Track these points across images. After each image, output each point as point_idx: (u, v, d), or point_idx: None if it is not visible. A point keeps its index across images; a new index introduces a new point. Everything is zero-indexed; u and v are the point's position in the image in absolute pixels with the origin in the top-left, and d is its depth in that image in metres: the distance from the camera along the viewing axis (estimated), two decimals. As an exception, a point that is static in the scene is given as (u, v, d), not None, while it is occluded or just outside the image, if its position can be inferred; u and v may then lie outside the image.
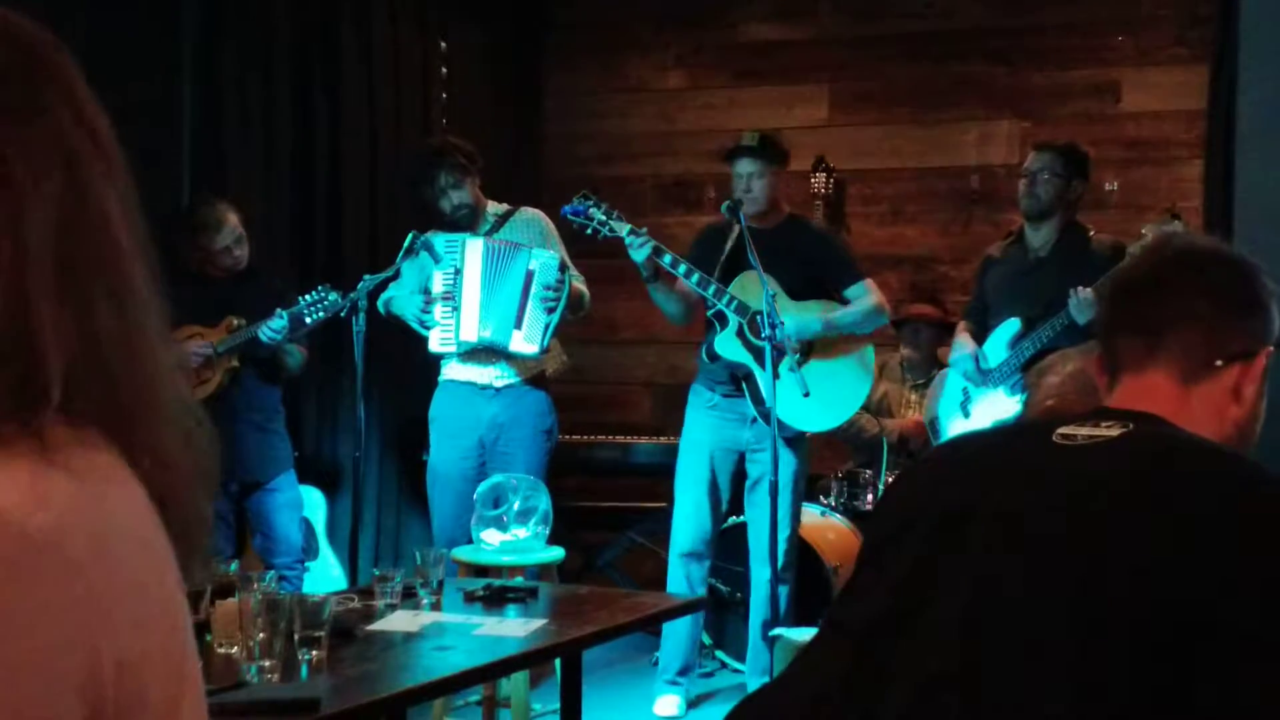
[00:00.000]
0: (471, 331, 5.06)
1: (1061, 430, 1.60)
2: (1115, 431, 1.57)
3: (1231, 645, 1.35)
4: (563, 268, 5.12)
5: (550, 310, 5.08)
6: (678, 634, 5.10)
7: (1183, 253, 1.78)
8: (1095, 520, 1.47)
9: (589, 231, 4.92)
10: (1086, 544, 1.46)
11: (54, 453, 0.75)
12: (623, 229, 4.85)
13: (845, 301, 5.08)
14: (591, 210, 4.89)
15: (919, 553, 1.55)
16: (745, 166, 5.00)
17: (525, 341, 5.07)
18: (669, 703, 5.09)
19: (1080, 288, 4.59)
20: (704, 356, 5.04)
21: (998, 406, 4.88)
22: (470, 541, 4.79)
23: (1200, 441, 1.59)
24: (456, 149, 5.15)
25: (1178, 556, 1.40)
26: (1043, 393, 2.47)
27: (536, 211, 5.34)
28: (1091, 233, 4.98)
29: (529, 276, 5.07)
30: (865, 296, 5.12)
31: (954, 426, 5.04)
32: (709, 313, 5.01)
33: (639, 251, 4.83)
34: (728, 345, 4.93)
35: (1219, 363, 1.68)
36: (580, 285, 5.25)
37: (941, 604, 1.49)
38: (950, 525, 1.56)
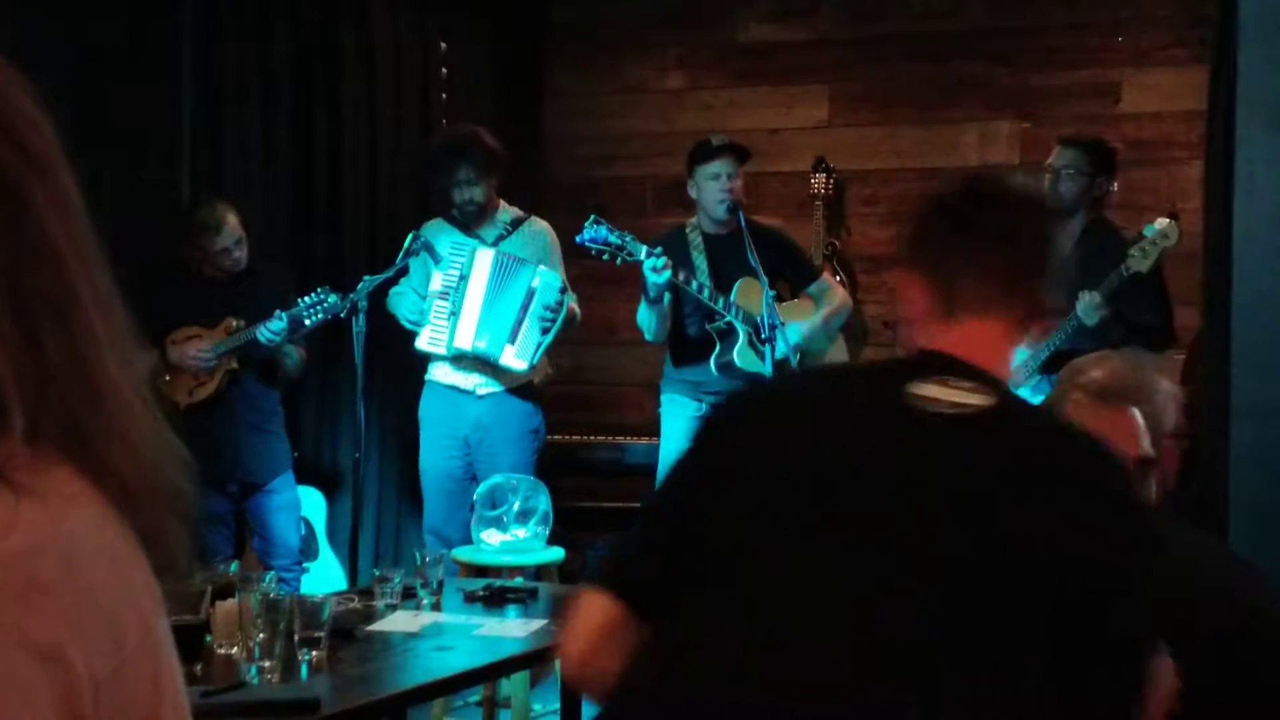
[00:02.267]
0: (466, 339, 5.03)
1: (915, 390, 1.58)
2: (978, 401, 1.58)
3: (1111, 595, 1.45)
4: (563, 290, 5.09)
5: (545, 330, 5.05)
6: None
7: (1038, 203, 1.84)
8: (983, 503, 1.50)
9: (605, 258, 4.81)
10: (972, 526, 1.48)
11: (16, 476, 0.75)
12: (640, 251, 4.77)
13: (807, 299, 5.11)
14: (609, 237, 4.79)
15: (792, 552, 1.53)
16: (726, 166, 4.97)
17: (516, 357, 5.05)
18: None
19: (1087, 291, 4.56)
20: (712, 369, 4.94)
21: None
22: (462, 540, 4.78)
23: (1064, 423, 1.74)
24: (484, 148, 5.07)
25: (1067, 530, 1.48)
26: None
27: (545, 225, 5.28)
28: (1122, 229, 4.93)
29: (530, 294, 5.03)
30: (831, 291, 5.14)
31: None
32: (711, 326, 4.95)
33: (660, 275, 4.73)
34: (746, 357, 4.88)
35: (1044, 321, 1.75)
36: (574, 307, 5.22)
37: (825, 608, 1.48)
38: (818, 525, 1.54)
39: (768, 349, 4.64)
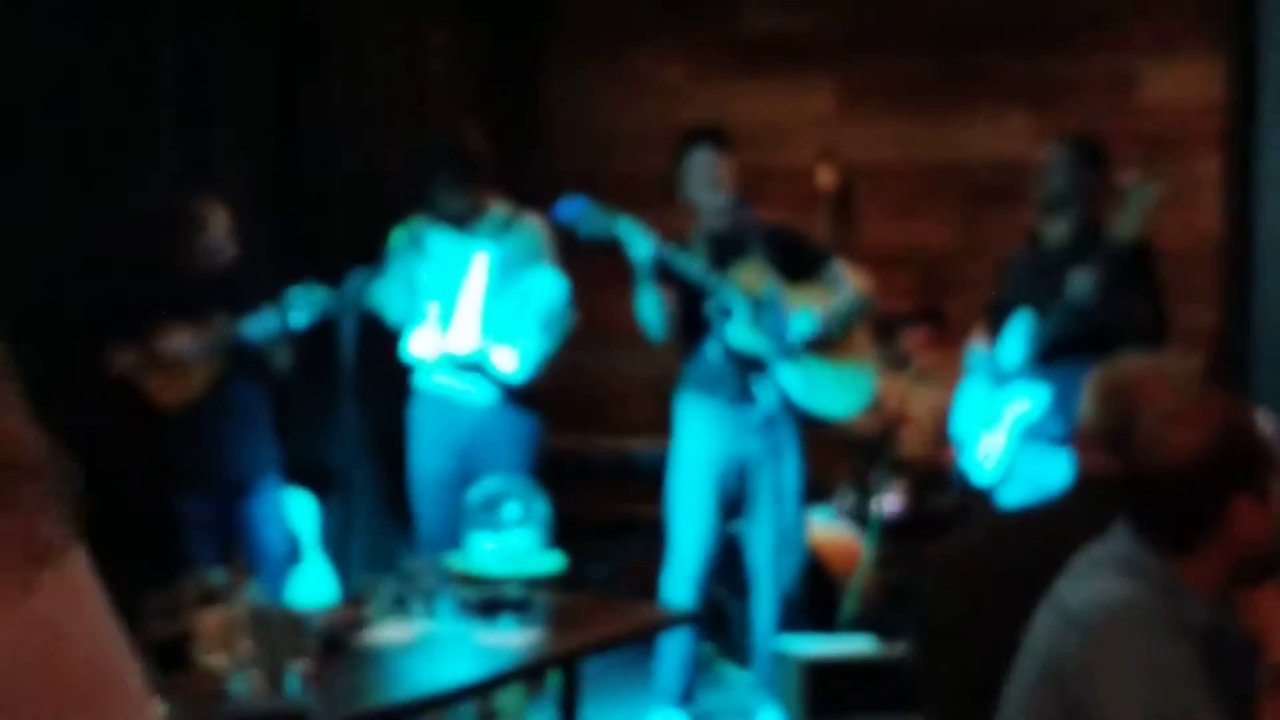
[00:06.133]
0: (464, 343, 4.95)
1: None
2: None
3: None
4: (565, 291, 5.00)
5: (546, 333, 4.96)
6: (674, 656, 4.95)
7: None
8: None
9: (583, 233, 4.74)
10: None
11: None
12: (621, 225, 4.70)
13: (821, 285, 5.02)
14: (584, 209, 4.71)
15: None
16: (705, 153, 4.92)
17: (514, 360, 4.97)
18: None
19: (1077, 272, 4.48)
20: (706, 350, 4.87)
21: (1021, 405, 4.75)
22: (458, 546, 4.69)
23: None
24: (461, 160, 4.99)
25: None
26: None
27: (536, 221, 5.21)
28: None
29: (533, 296, 4.96)
30: (846, 278, 5.01)
31: (985, 440, 4.88)
32: (708, 307, 4.86)
33: (643, 245, 4.65)
34: (740, 334, 4.78)
35: None
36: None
37: None
38: None
39: (767, 335, 4.57)
